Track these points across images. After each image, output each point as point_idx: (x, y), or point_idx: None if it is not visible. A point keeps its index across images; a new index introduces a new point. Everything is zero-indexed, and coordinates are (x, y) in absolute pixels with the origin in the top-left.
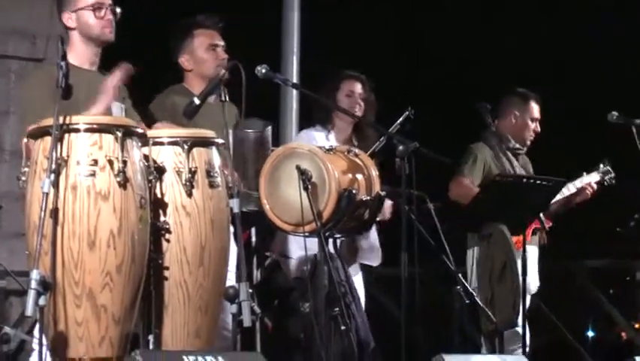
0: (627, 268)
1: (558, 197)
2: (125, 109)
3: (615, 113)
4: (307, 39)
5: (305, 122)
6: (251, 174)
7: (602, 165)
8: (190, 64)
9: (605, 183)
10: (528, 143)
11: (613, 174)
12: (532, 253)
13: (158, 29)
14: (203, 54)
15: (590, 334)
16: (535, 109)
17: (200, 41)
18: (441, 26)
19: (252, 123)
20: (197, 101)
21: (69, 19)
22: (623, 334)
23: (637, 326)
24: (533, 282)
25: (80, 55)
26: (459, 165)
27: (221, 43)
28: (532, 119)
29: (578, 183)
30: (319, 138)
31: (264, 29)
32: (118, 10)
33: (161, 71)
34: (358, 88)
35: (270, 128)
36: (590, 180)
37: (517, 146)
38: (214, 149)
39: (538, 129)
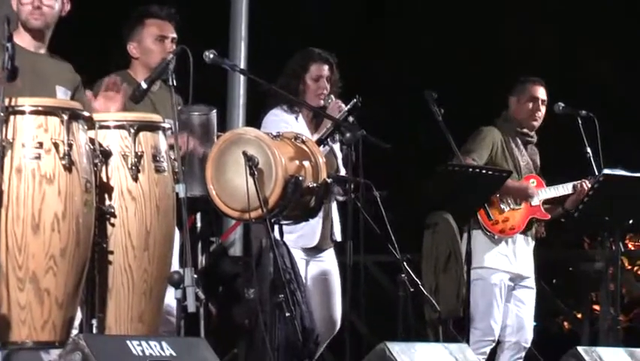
0: (570, 259)
1: (555, 193)
2: (73, 95)
3: (561, 104)
4: (255, 25)
5: (252, 109)
6: (196, 159)
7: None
8: (137, 52)
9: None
10: (535, 125)
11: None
12: (523, 242)
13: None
14: (151, 44)
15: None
16: (534, 89)
17: (150, 31)
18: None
19: (196, 108)
20: (144, 85)
21: (13, 2)
22: (566, 324)
23: (580, 316)
24: (531, 271)
25: (23, 38)
26: (465, 145)
27: (172, 35)
28: (532, 99)
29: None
30: (289, 120)
31: (212, 15)
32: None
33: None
34: (326, 71)
35: (215, 112)
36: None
37: (526, 131)
38: (160, 133)
39: (541, 110)
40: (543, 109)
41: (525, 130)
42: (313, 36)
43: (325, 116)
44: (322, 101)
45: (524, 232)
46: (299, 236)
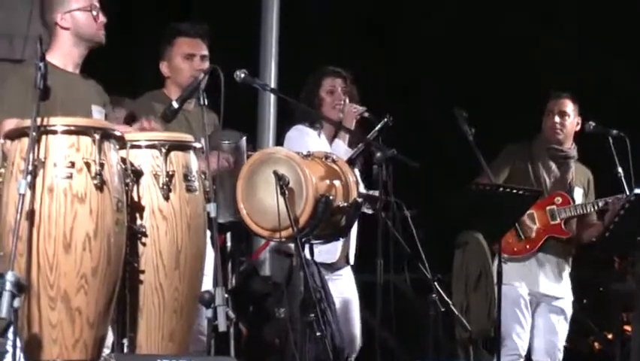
0: (601, 279)
1: (579, 211)
2: (106, 114)
3: (592, 123)
4: (286, 44)
5: (282, 128)
6: (226, 185)
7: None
8: (168, 70)
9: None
10: (558, 138)
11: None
12: (546, 261)
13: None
14: (180, 63)
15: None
16: (552, 103)
17: (179, 50)
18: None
19: (227, 134)
20: (175, 104)
21: (62, 19)
22: (597, 344)
23: (610, 336)
24: (560, 292)
25: (66, 56)
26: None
27: (202, 53)
28: (550, 112)
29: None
30: (312, 134)
31: (242, 34)
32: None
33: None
34: (340, 83)
35: (245, 139)
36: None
37: (555, 146)
38: (192, 153)
39: (559, 122)
40: (566, 120)
41: (554, 145)
42: (343, 54)
43: (355, 135)
44: (341, 114)
45: (546, 251)
46: (319, 252)
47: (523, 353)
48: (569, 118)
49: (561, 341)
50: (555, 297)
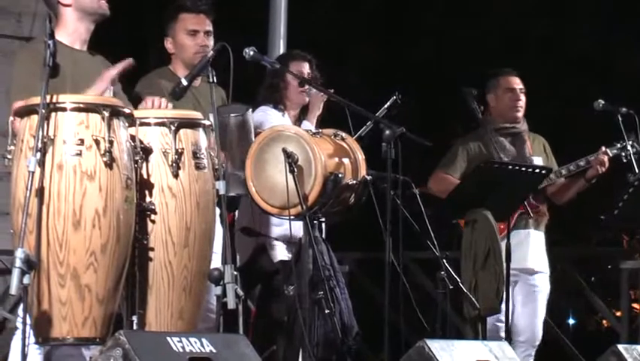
0: (610, 256)
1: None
2: (115, 92)
3: (601, 101)
4: (294, 23)
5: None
6: (236, 156)
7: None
8: (172, 47)
9: (624, 159)
10: (517, 116)
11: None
12: (522, 237)
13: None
14: (184, 39)
15: (572, 321)
16: (508, 81)
17: (181, 25)
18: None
19: (232, 108)
20: (184, 82)
21: None
22: (605, 322)
23: (618, 314)
24: (537, 265)
25: (72, 33)
26: (441, 161)
27: (206, 29)
28: (507, 90)
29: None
30: (276, 115)
31: (251, 13)
32: None
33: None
34: (306, 68)
35: (250, 110)
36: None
37: (507, 125)
38: (201, 130)
39: (520, 98)
40: (523, 97)
41: (506, 124)
42: (349, 33)
43: (363, 113)
44: (307, 98)
45: (521, 227)
46: (285, 229)
47: (503, 335)
48: (522, 94)
49: (540, 319)
50: (534, 271)
